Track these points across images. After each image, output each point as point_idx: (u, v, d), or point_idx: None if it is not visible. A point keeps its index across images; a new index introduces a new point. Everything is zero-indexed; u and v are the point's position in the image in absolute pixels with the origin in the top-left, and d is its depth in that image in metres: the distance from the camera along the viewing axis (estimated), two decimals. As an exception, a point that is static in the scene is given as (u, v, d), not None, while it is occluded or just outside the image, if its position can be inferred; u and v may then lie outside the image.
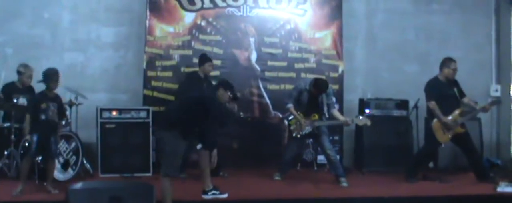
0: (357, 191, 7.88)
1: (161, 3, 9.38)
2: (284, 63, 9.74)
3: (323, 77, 9.24)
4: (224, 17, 9.59)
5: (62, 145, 8.02)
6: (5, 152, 8.03)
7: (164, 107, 9.08)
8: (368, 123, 8.36)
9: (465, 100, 8.47)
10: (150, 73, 9.31)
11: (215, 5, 9.55)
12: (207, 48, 9.44)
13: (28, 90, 8.35)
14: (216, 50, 9.51)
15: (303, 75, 9.63)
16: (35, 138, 7.10)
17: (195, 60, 9.12)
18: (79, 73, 9.59)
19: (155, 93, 9.31)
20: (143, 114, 8.81)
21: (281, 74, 9.73)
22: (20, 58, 8.89)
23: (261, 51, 9.69)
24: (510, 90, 10.78)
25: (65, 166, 8.01)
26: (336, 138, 9.73)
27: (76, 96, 8.51)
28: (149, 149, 8.75)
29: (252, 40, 9.66)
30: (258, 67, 9.67)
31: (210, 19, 9.54)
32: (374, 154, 9.45)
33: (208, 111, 6.67)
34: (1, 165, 7.97)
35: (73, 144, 8.20)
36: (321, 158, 9.20)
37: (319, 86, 8.21)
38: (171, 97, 9.12)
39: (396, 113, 9.69)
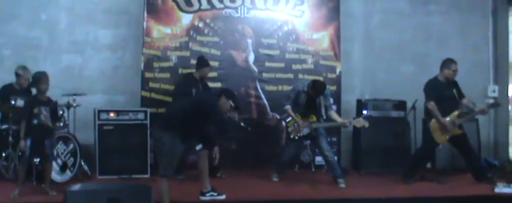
0: (355, 192, 7.89)
1: (158, 4, 9.38)
2: (282, 64, 9.74)
3: (321, 78, 9.28)
4: (222, 19, 9.59)
5: (60, 147, 8.03)
6: (3, 154, 8.04)
7: (162, 108, 9.09)
8: (366, 125, 8.37)
9: (464, 101, 8.48)
10: (148, 75, 9.31)
11: (213, 7, 9.55)
12: (204, 50, 9.44)
13: (25, 92, 8.33)
14: (213, 51, 9.51)
15: (300, 76, 9.63)
16: (28, 142, 7.09)
17: (193, 61, 9.12)
18: (77, 75, 9.59)
19: (153, 95, 9.30)
20: (141, 116, 8.80)
21: (279, 75, 9.73)
22: (17, 60, 8.89)
23: (259, 52, 9.69)
24: (507, 91, 10.80)
25: (63, 168, 8.01)
26: (334, 139, 9.73)
27: (74, 96, 8.50)
28: (147, 150, 8.73)
29: (249, 41, 9.66)
30: (255, 68, 9.67)
31: (208, 21, 9.54)
32: (371, 155, 9.46)
33: (208, 116, 6.68)
34: (-1, 167, 7.99)
35: (71, 146, 8.20)
36: (319, 159, 9.21)
37: (317, 88, 8.21)
38: (169, 99, 9.11)
39: (394, 114, 9.70)
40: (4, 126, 8.11)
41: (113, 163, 8.60)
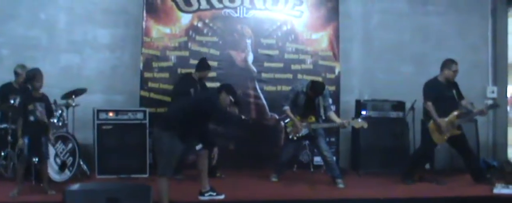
0: (354, 193, 7.89)
1: (157, 4, 9.38)
2: (281, 65, 9.75)
3: (320, 78, 9.29)
4: (221, 19, 9.60)
5: (59, 146, 8.03)
6: (2, 153, 8.05)
7: (160, 108, 9.11)
8: (365, 125, 8.37)
9: (463, 103, 8.48)
10: (147, 74, 9.31)
11: (212, 7, 9.55)
12: (203, 50, 9.44)
13: (24, 91, 8.33)
14: (212, 51, 9.51)
15: (299, 76, 9.63)
16: (26, 141, 7.09)
17: (192, 61, 9.15)
18: (76, 75, 9.59)
19: (152, 94, 9.30)
20: (140, 115, 8.79)
21: (278, 75, 9.73)
22: (16, 59, 8.89)
23: (258, 52, 9.69)
24: (506, 91, 10.81)
25: (62, 167, 8.00)
26: (333, 139, 9.73)
27: (73, 93, 8.50)
28: (146, 150, 8.72)
29: (248, 41, 9.67)
30: (254, 69, 9.68)
31: (207, 21, 9.54)
32: (370, 155, 9.47)
33: (208, 115, 6.68)
34: (-2, 166, 7.99)
35: (70, 145, 8.19)
36: (317, 159, 9.20)
37: (315, 88, 8.21)
38: (168, 98, 9.12)
39: (393, 114, 9.70)
40: (3, 125, 8.11)
41: (112, 163, 8.59)
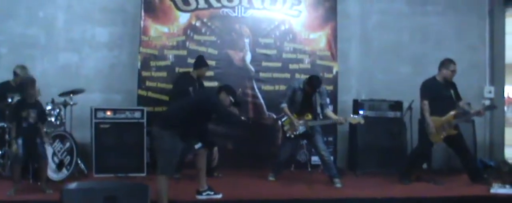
0: (351, 192, 7.89)
1: (155, 3, 9.39)
2: (279, 64, 9.76)
3: (317, 77, 9.30)
4: (219, 18, 9.61)
5: (57, 145, 8.03)
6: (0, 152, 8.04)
7: (158, 107, 9.13)
8: (362, 121, 8.39)
9: (460, 103, 8.49)
10: (145, 73, 9.31)
11: (210, 6, 9.56)
12: (201, 49, 9.45)
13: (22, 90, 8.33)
14: (210, 50, 9.51)
15: (297, 76, 9.64)
16: (20, 142, 7.11)
17: (190, 60, 9.15)
18: (74, 73, 9.60)
19: (150, 93, 9.31)
20: (137, 114, 8.80)
21: (276, 74, 9.75)
22: (14, 58, 8.91)
23: (256, 51, 9.70)
24: (503, 92, 10.83)
25: (59, 166, 8.00)
26: (330, 139, 9.73)
27: (71, 93, 8.50)
28: (144, 149, 8.74)
29: (246, 40, 9.67)
30: (252, 68, 9.69)
31: (205, 20, 9.55)
32: (368, 155, 9.47)
33: (209, 115, 6.68)
34: (-5, 165, 7.98)
35: (68, 144, 8.18)
36: (315, 159, 9.20)
37: (313, 82, 8.21)
38: (166, 97, 9.13)
39: (390, 114, 9.70)
40: (1, 124, 8.11)
41: (109, 162, 8.60)
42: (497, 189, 7.82)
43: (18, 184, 7.14)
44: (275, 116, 9.46)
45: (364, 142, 9.50)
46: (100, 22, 9.72)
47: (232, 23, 9.64)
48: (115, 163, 8.58)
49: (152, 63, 9.34)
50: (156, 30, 9.37)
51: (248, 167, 9.20)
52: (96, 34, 9.73)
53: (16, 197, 6.95)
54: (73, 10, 9.67)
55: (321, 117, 8.42)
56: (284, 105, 8.37)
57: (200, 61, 8.76)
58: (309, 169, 9.20)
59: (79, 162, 8.40)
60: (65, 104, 8.44)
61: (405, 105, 9.30)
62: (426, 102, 8.31)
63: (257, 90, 9.69)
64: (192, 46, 9.46)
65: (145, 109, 8.90)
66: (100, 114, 8.70)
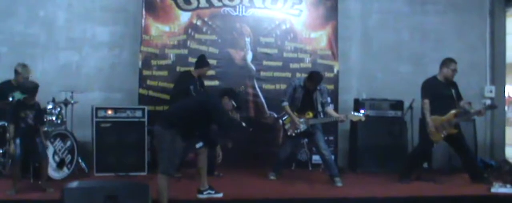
0: (352, 191, 7.89)
1: (156, 2, 9.39)
2: (280, 63, 9.76)
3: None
4: (220, 17, 9.61)
5: (58, 144, 8.04)
6: (0, 151, 8.02)
7: (159, 106, 9.14)
8: (363, 118, 8.39)
9: (461, 103, 8.48)
10: (146, 72, 9.31)
11: (211, 5, 9.56)
12: (202, 48, 9.45)
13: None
14: (211, 49, 9.51)
15: (298, 75, 9.62)
16: (18, 141, 7.12)
17: (191, 59, 9.16)
18: (74, 72, 9.60)
19: (151, 92, 9.31)
20: (138, 113, 8.80)
21: (277, 74, 9.75)
22: (15, 57, 8.90)
23: (257, 51, 9.70)
24: (504, 91, 10.83)
25: (60, 165, 8.01)
26: (331, 138, 9.74)
27: (71, 94, 8.50)
28: (145, 148, 8.74)
29: (247, 40, 9.67)
30: (253, 67, 9.69)
31: (206, 19, 9.55)
32: (368, 154, 9.49)
33: (210, 116, 6.68)
34: (-5, 164, 7.98)
35: (68, 143, 8.20)
36: (316, 158, 9.22)
37: (313, 78, 8.21)
38: (167, 96, 9.12)
39: (391, 113, 9.71)
40: (1, 123, 8.10)
41: (110, 161, 8.60)
42: (498, 189, 7.81)
43: (17, 184, 7.12)
44: (276, 115, 9.46)
45: (364, 141, 9.51)
46: (100, 21, 9.72)
47: (233, 22, 9.64)
48: (116, 162, 8.59)
49: (153, 62, 9.34)
50: (157, 29, 9.37)
51: (248, 166, 9.20)
52: (96, 33, 9.73)
53: (17, 196, 6.95)
54: (73, 9, 9.67)
55: (322, 115, 8.42)
56: (286, 104, 8.37)
57: (202, 61, 8.76)
58: (310, 168, 9.23)
59: (80, 161, 8.42)
60: (66, 103, 8.44)
61: (406, 104, 9.30)
62: (426, 101, 8.31)
63: (258, 89, 9.69)
64: (193, 45, 9.46)
65: (146, 108, 8.89)
66: (101, 113, 8.69)
